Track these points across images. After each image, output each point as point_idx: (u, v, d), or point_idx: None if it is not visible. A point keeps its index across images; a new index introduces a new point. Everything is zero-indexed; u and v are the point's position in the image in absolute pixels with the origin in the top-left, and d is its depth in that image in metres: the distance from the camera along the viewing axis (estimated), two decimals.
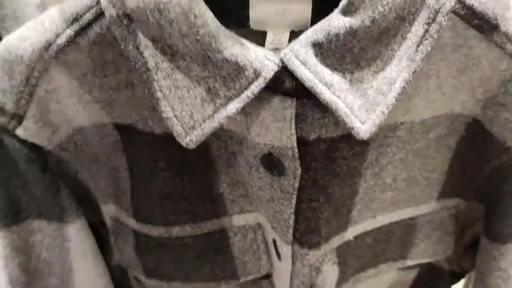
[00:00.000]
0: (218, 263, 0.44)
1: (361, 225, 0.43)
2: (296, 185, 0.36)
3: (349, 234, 0.43)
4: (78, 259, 0.45)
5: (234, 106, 0.32)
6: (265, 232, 0.44)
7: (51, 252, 0.43)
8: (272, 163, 0.36)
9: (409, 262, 0.49)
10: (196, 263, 0.44)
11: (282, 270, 0.43)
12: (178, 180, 0.39)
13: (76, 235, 0.43)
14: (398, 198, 0.43)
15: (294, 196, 0.37)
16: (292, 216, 0.38)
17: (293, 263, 0.42)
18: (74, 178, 0.42)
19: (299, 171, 0.36)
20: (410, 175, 0.41)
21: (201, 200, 0.41)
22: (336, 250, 0.42)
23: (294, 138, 0.34)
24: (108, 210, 0.44)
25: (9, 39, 0.35)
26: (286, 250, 0.41)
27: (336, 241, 0.42)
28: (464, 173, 0.43)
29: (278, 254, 0.43)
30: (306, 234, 0.39)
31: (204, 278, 0.45)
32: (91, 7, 0.33)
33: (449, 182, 0.44)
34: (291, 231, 0.39)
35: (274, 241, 0.42)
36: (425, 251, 0.48)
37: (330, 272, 0.42)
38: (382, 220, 0.44)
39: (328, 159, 0.36)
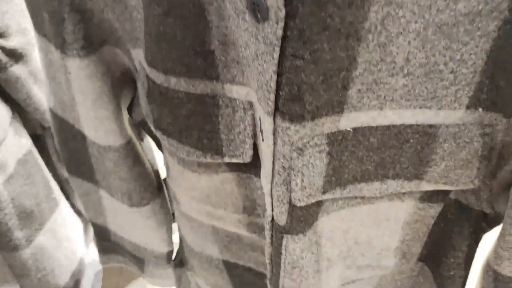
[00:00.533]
0: (205, 131, 0.42)
1: (363, 115, 0.37)
2: (280, 32, 0.32)
3: (346, 122, 0.37)
4: (78, 95, 0.49)
5: None
6: (255, 114, 0.40)
7: (60, 74, 0.47)
8: (256, 3, 0.32)
9: (426, 186, 0.41)
10: (187, 123, 0.42)
11: (265, 154, 0.39)
12: (170, 20, 0.37)
13: (76, 72, 0.46)
14: (414, 91, 0.36)
15: (277, 49, 0.32)
16: (274, 77, 0.34)
17: (275, 142, 0.37)
18: (101, 18, 0.43)
19: (282, 13, 0.31)
20: (430, 60, 0.34)
21: (193, 53, 0.38)
22: (327, 137, 0.37)
23: None
24: (137, 54, 0.45)
25: None
26: (268, 124, 0.36)
27: (327, 125, 0.36)
28: (507, 76, 0.35)
29: (261, 133, 0.38)
30: (288, 102, 0.34)
31: (193, 144, 0.43)
32: None
33: (484, 86, 0.36)
34: (272, 97, 0.35)
35: (260, 121, 0.38)
36: (447, 175, 0.40)
37: (316, 160, 0.37)
38: (392, 117, 0.37)
39: (318, 4, 0.31)
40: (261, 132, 0.39)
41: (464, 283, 0.49)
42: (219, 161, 0.44)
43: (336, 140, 0.37)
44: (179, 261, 0.70)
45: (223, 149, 0.43)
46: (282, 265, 0.44)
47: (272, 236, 0.43)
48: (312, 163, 0.37)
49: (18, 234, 0.71)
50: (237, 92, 0.40)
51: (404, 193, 0.44)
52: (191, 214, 0.55)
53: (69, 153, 0.58)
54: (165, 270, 0.70)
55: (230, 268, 0.60)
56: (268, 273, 0.47)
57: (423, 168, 0.40)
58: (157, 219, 0.62)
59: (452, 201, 0.45)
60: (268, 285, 0.48)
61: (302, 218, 0.41)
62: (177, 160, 0.49)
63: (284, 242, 0.42)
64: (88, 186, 0.62)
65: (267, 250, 0.45)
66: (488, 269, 0.44)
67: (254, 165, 0.45)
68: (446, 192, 0.44)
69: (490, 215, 0.44)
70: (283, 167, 0.38)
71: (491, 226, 0.45)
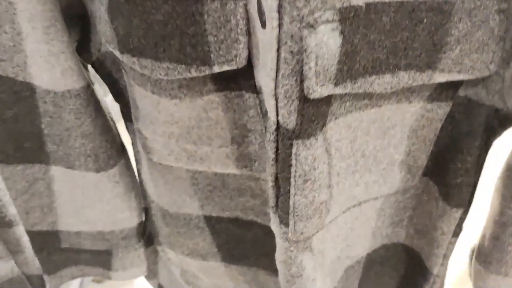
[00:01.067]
0: (188, 36, 0.36)
1: None
2: None
3: None
4: (26, 24, 0.41)
5: None
6: (248, 4, 0.35)
7: None
8: None
9: (438, 77, 0.38)
10: (165, 31, 0.36)
11: (268, 44, 0.34)
12: None
13: None
14: None
15: None
16: None
17: (280, 23, 0.32)
18: None
19: None
20: None
21: None
22: (339, 12, 0.32)
23: None
24: None
25: None
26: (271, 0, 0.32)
27: None
28: None
29: (262, 15, 0.33)
30: None
31: (173, 57, 0.37)
32: None
33: None
34: None
35: (259, 4, 0.33)
36: (461, 61, 0.37)
37: (329, 40, 0.32)
38: None
39: None
40: (262, 15, 0.33)
41: (472, 193, 0.47)
42: (207, 72, 0.38)
43: (348, 17, 0.33)
44: (148, 237, 0.62)
45: (211, 55, 0.37)
46: (292, 180, 0.38)
47: (277, 149, 0.38)
48: (325, 43, 0.32)
49: (13, 210, 0.66)
50: None
51: (413, 92, 0.40)
52: (167, 162, 0.49)
53: (4, 131, 0.49)
54: (137, 251, 0.62)
55: (213, 224, 0.55)
56: (271, 200, 0.42)
57: (437, 55, 0.37)
58: (126, 183, 0.55)
59: (461, 99, 0.42)
60: (272, 215, 0.43)
61: (314, 117, 0.36)
62: (151, 89, 0.43)
63: (294, 150, 0.37)
64: (33, 171, 0.52)
65: (270, 170, 0.40)
66: (509, 173, 0.41)
67: (246, 77, 0.40)
68: (456, 87, 0.41)
69: (502, 112, 0.42)
70: (291, 52, 0.33)
71: (502, 125, 0.43)
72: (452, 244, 0.51)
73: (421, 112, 0.42)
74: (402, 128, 0.43)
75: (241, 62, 0.37)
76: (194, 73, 0.38)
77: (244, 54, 0.37)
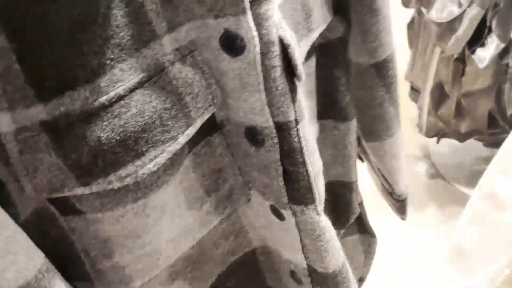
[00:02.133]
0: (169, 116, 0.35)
1: None
2: None
3: None
4: None
5: None
6: None
7: None
8: None
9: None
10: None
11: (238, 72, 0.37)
12: None
13: None
14: None
15: None
16: None
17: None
18: None
19: None
20: None
21: None
22: None
23: None
24: None
25: None
26: None
27: None
28: None
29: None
30: None
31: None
32: None
33: None
34: None
35: None
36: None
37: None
38: None
39: None
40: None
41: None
42: (193, 133, 0.37)
43: None
44: None
45: (192, 114, 0.37)
46: (307, 159, 0.43)
47: (281, 146, 0.41)
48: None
49: None
50: None
51: None
52: (153, 272, 0.45)
53: None
54: None
55: None
56: (283, 198, 0.44)
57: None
58: None
59: (318, 47, 0.53)
60: (287, 212, 0.45)
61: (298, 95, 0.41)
62: (134, 197, 0.38)
63: (301, 133, 0.42)
64: None
65: (276, 172, 0.43)
66: None
67: (209, 117, 0.40)
68: (313, 45, 0.50)
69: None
70: (273, 56, 0.37)
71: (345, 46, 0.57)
72: (355, 147, 0.64)
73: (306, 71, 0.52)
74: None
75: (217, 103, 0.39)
76: (182, 140, 0.37)
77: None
